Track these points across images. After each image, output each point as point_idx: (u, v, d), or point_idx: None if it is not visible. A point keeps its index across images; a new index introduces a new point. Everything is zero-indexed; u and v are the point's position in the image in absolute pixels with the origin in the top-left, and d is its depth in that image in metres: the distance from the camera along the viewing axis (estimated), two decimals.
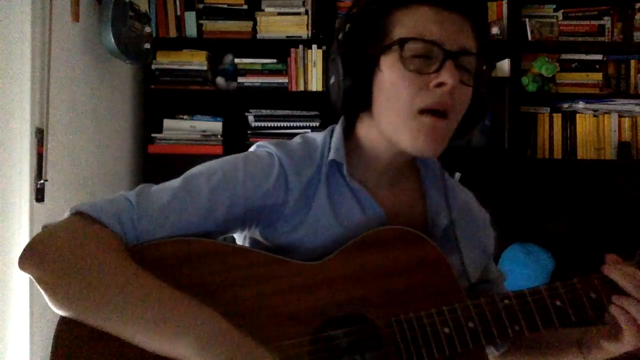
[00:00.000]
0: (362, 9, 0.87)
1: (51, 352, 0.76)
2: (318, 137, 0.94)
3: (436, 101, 0.81)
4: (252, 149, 0.94)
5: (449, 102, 0.82)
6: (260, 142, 0.93)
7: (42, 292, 0.76)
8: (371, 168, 0.92)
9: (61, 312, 0.75)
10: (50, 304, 0.76)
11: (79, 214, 0.80)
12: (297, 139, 0.95)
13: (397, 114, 0.83)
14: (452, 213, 0.94)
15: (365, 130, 0.91)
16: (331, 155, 0.90)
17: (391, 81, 0.83)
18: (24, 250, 0.77)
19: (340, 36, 0.87)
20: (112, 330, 0.74)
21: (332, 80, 0.89)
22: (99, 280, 0.74)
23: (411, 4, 0.83)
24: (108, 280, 0.74)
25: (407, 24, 0.83)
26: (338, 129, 0.94)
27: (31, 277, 0.77)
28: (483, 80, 0.87)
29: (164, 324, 0.72)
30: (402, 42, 0.81)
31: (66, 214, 0.81)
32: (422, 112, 0.82)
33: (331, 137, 0.93)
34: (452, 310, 0.82)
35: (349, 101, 0.87)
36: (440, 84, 0.80)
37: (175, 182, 0.85)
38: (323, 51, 2.67)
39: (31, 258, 0.76)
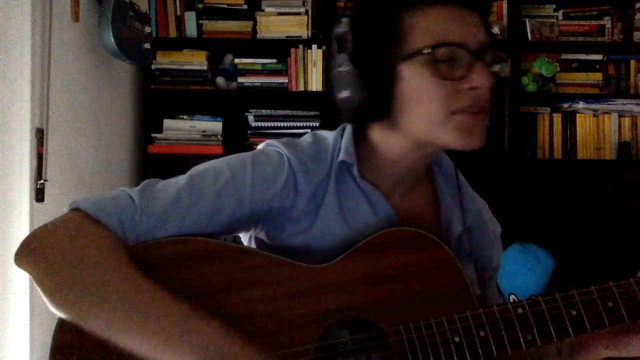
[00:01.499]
0: (365, 14, 0.83)
1: (50, 353, 0.75)
2: (329, 136, 0.91)
3: (470, 103, 0.80)
4: (260, 146, 0.91)
5: (484, 100, 0.81)
6: (270, 141, 0.90)
7: (39, 289, 0.74)
8: (385, 172, 0.90)
9: (58, 314, 0.74)
10: (46, 303, 0.74)
11: (78, 211, 0.78)
12: (307, 137, 0.92)
13: (430, 120, 0.81)
14: (467, 219, 0.92)
15: (380, 136, 0.88)
16: (341, 157, 0.87)
17: (419, 89, 0.80)
18: (21, 246, 0.76)
19: (346, 43, 0.83)
20: (108, 337, 0.72)
21: (344, 93, 0.83)
22: (96, 285, 0.73)
23: (421, 5, 0.80)
24: (106, 286, 0.73)
25: (424, 28, 0.80)
26: (349, 129, 0.91)
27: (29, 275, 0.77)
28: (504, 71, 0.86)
29: (165, 338, 0.71)
30: (430, 50, 0.78)
31: (65, 209, 0.80)
32: (456, 112, 0.80)
33: (342, 136, 0.90)
34: (463, 319, 0.79)
35: (366, 113, 0.83)
36: (474, 87, 0.79)
37: (180, 180, 0.83)
38: (323, 51, 2.66)
39: (27, 255, 0.75)
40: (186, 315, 0.72)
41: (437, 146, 0.85)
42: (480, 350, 0.78)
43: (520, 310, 0.79)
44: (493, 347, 0.78)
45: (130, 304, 0.72)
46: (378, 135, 0.88)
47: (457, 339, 0.78)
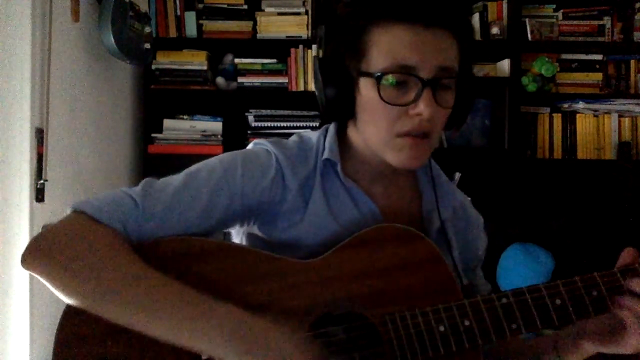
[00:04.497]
0: (340, 23, 0.88)
1: (53, 353, 0.76)
2: (313, 136, 0.96)
3: (414, 127, 0.83)
4: (249, 146, 0.95)
5: (426, 127, 0.83)
6: (258, 140, 0.95)
7: (54, 289, 0.76)
8: (364, 167, 0.94)
9: (76, 304, 0.76)
10: (63, 298, 0.76)
11: (80, 213, 0.80)
12: (293, 138, 0.96)
13: (377, 135, 0.86)
14: (443, 213, 0.95)
15: (354, 134, 0.93)
16: (325, 155, 0.91)
17: (370, 107, 0.85)
18: (27, 248, 0.77)
19: (320, 46, 0.89)
20: (127, 324, 0.74)
21: (316, 92, 0.90)
22: (111, 278, 0.75)
23: (387, 22, 0.83)
24: (121, 277, 0.75)
25: (382, 48, 0.83)
26: (332, 128, 0.95)
27: (34, 275, 0.77)
28: (467, 90, 0.88)
29: (184, 320, 0.73)
30: (378, 77, 0.82)
31: (67, 211, 0.81)
32: (400, 135, 0.84)
33: (325, 136, 0.95)
34: (448, 309, 0.82)
35: (333, 113, 0.90)
36: (418, 114, 0.82)
37: (176, 180, 0.86)
38: None
39: (36, 257, 0.77)
40: (197, 298, 0.75)
41: (383, 159, 0.88)
42: (465, 339, 0.80)
43: (504, 300, 0.82)
44: (478, 335, 0.80)
45: (143, 290, 0.75)
46: (353, 133, 0.93)
47: (442, 328, 0.80)
